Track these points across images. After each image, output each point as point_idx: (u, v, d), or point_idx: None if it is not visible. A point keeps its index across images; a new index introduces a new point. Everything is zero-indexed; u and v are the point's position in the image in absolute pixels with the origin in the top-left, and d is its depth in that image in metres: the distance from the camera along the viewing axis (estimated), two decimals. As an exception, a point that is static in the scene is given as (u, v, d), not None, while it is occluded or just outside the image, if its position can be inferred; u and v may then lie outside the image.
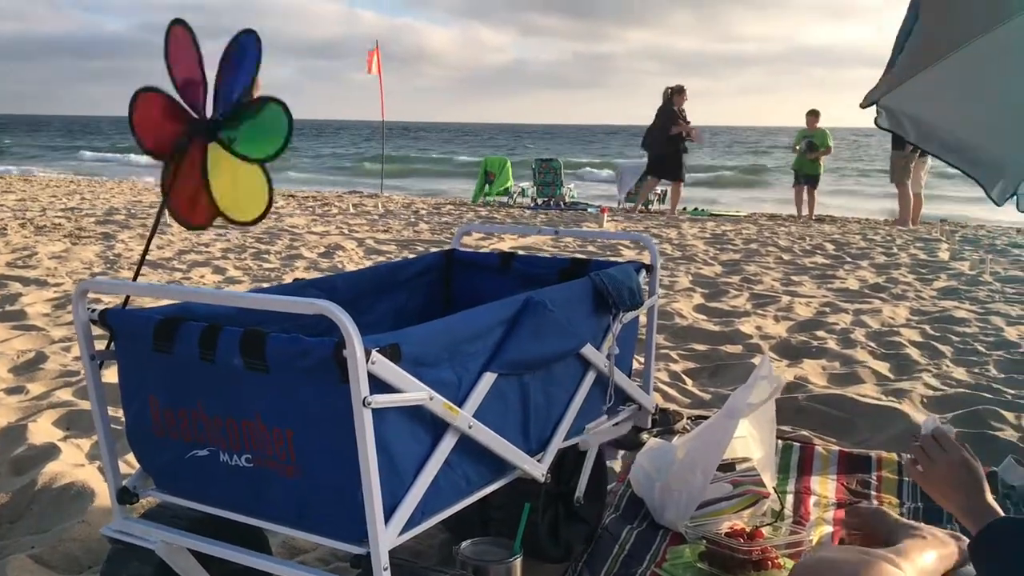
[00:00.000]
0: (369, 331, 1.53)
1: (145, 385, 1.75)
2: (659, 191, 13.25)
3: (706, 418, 3.22)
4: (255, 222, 1.82)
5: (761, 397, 2.43)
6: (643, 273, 2.43)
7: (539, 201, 14.11)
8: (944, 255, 8.48)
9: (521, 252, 3.24)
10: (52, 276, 6.29)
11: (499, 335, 1.88)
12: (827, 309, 5.67)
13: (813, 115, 12.36)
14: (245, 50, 1.76)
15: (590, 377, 2.19)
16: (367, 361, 1.47)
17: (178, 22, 1.80)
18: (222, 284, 6.25)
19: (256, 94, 1.75)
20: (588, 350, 2.15)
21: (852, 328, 5.08)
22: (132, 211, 11.16)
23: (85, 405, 3.43)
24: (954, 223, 12.43)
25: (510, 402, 1.92)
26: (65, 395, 3.59)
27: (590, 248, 8.25)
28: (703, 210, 13.63)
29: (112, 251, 7.58)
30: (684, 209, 13.17)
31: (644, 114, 12.70)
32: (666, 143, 12.12)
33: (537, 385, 2.00)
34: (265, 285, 6.13)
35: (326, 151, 42.71)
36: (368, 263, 7.31)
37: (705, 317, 5.41)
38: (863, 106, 2.90)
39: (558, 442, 2.08)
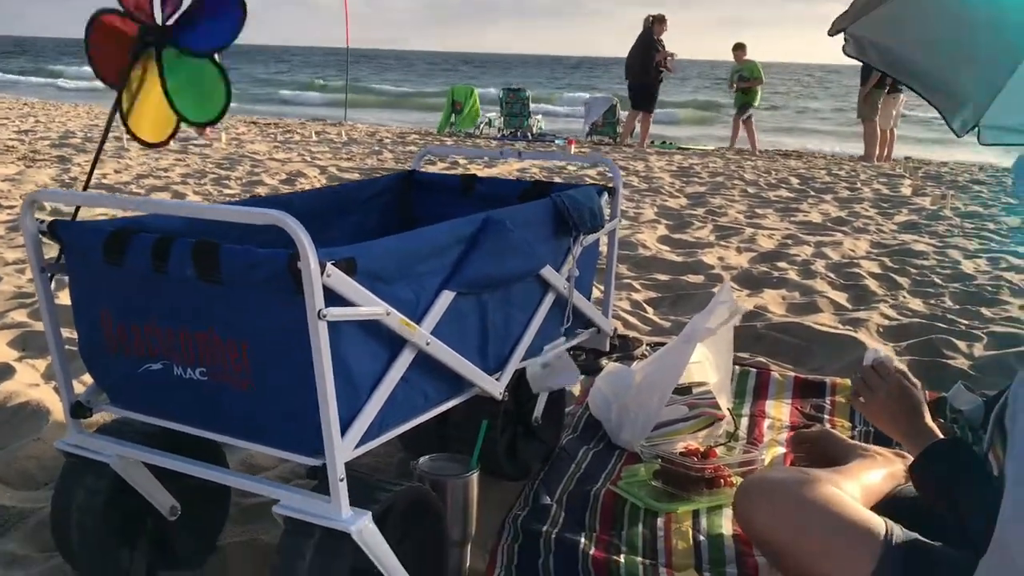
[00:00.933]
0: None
1: (97, 299, 1.71)
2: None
3: (664, 344, 3.26)
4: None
5: (719, 321, 2.45)
6: (605, 196, 2.41)
7: (506, 132, 13.97)
8: (907, 191, 8.55)
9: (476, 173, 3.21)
10: (5, 199, 6.14)
11: (457, 253, 1.86)
12: (789, 241, 5.72)
13: (740, 48, 12.50)
14: None
15: (549, 298, 2.19)
16: (322, 274, 1.45)
17: None
18: (182, 209, 6.15)
19: None
20: (547, 271, 2.15)
21: (813, 260, 5.13)
22: (88, 135, 10.90)
23: (40, 326, 3.37)
24: (918, 160, 12.53)
25: (468, 321, 1.92)
26: (20, 316, 3.54)
27: (556, 180, 8.21)
28: (671, 143, 13.60)
29: (68, 175, 7.41)
30: (652, 143, 13.13)
31: (615, 45, 12.61)
32: (643, 73, 12.03)
33: (496, 305, 2.00)
34: (226, 210, 6.04)
35: (289, 77, 41.73)
36: (331, 190, 7.22)
37: (669, 248, 5.43)
38: (831, 34, 2.89)
39: (516, 362, 2.08)
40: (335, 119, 16.58)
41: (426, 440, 2.16)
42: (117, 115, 1.84)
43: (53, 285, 1.76)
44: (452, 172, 8.14)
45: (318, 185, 7.50)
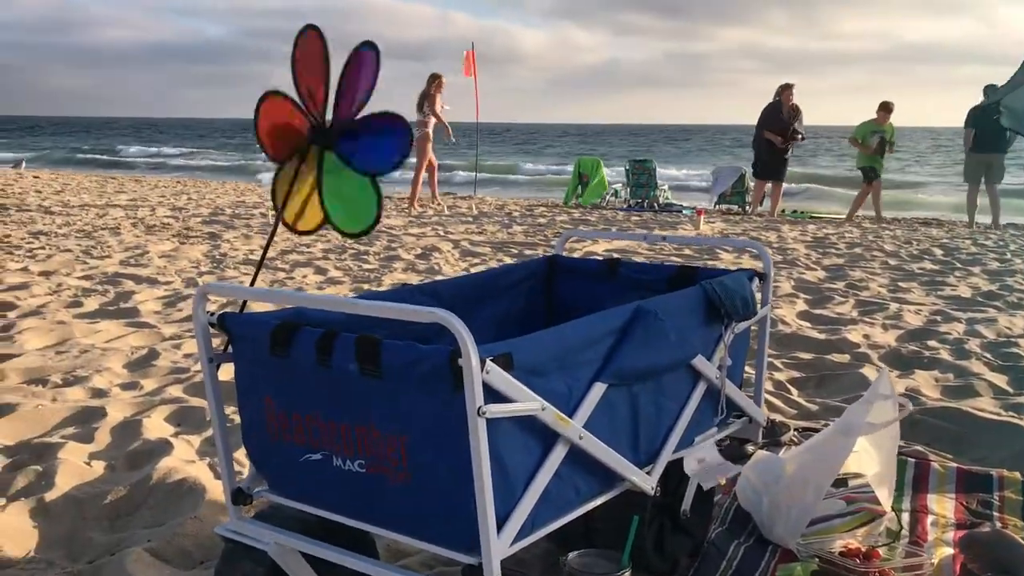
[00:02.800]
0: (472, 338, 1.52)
1: (261, 388, 1.77)
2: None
3: (814, 430, 3.12)
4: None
5: (884, 418, 2.34)
6: (755, 281, 2.36)
7: (632, 203, 13.98)
8: (1063, 261, 8.06)
9: (620, 257, 3.19)
10: (162, 275, 6.51)
11: (609, 344, 1.85)
12: (938, 317, 5.45)
13: (886, 109, 11.68)
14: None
15: (700, 388, 2.14)
16: (481, 370, 1.46)
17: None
18: (323, 284, 6.37)
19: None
20: (699, 361, 2.10)
21: (966, 338, 4.86)
22: (236, 212, 11.50)
23: (195, 402, 3.53)
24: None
25: (620, 413, 1.89)
26: (176, 391, 3.71)
27: (686, 252, 8.12)
28: (803, 212, 13.28)
29: (218, 251, 7.82)
30: (783, 212, 12.86)
31: (741, 113, 12.55)
32: (772, 143, 11.92)
33: (647, 396, 1.96)
34: (365, 286, 6.22)
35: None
36: (464, 265, 7.36)
37: (809, 324, 5.26)
38: (985, 106, 2.80)
39: (668, 454, 2.03)
40: (465, 192, 16.97)
41: (570, 530, 2.11)
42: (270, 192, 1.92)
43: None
44: (581, 245, 8.17)
45: (452, 259, 7.65)
